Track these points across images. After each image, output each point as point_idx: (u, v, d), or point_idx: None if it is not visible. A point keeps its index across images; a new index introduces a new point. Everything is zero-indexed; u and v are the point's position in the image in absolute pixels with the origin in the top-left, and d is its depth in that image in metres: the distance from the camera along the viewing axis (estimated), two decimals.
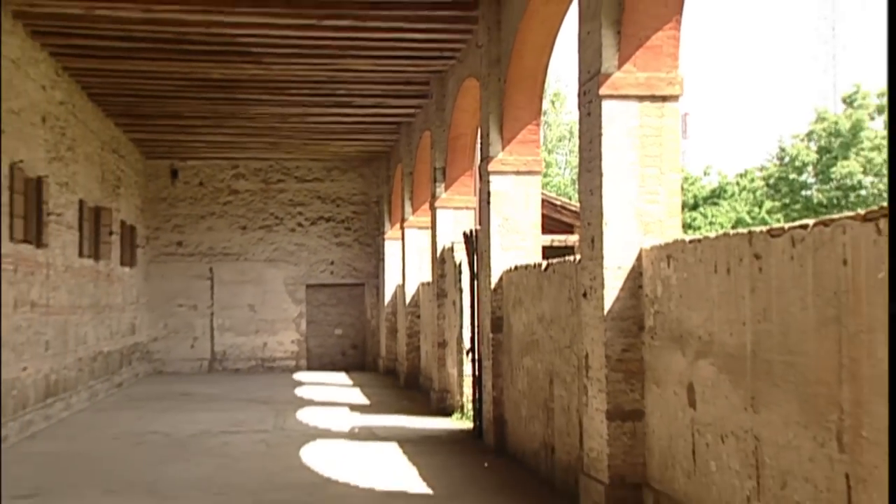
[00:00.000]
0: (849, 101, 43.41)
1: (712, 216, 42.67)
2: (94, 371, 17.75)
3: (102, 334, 18.62)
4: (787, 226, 5.46)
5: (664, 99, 7.77)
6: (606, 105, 7.73)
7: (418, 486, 9.47)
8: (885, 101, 41.37)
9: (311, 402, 17.12)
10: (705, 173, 48.34)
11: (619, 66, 7.73)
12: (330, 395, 18.38)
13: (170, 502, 8.74)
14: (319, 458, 11.11)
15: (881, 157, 40.17)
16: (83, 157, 16.99)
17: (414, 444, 12.04)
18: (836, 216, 4.98)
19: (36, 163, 13.77)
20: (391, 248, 22.92)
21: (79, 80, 16.23)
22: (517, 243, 11.73)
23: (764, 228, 5.73)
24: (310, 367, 25.13)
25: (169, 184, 24.77)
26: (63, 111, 15.49)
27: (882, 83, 43.38)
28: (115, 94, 17.34)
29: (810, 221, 5.22)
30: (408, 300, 20.15)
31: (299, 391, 19.26)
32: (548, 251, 14.79)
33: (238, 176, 25.07)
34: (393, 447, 11.83)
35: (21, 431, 12.79)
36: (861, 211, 4.76)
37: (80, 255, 16.66)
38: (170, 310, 24.77)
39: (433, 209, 16.40)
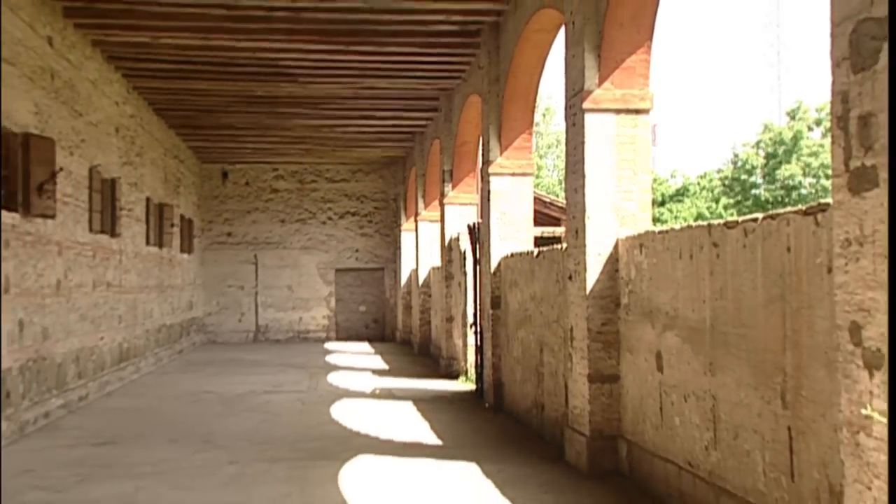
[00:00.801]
0: (791, 115, 43.62)
1: (677, 211, 42.60)
2: (158, 340, 17.82)
3: (165, 310, 18.68)
4: (740, 219, 5.47)
5: (637, 112, 7.77)
6: (588, 117, 7.73)
7: (430, 437, 9.50)
8: (822, 114, 41.43)
9: (339, 367, 17.13)
10: (672, 175, 48.16)
11: (599, 84, 7.73)
12: (355, 362, 18.37)
13: (222, 450, 8.74)
14: (347, 414, 11.12)
15: (818, 162, 40.45)
16: (149, 161, 17.02)
17: (426, 403, 12.06)
18: (781, 211, 4.99)
19: (111, 166, 13.79)
20: (406, 238, 22.90)
21: (146, 97, 16.24)
22: (513, 234, 11.73)
23: (721, 221, 5.74)
24: (338, 338, 25.16)
25: (220, 184, 24.79)
26: (133, 123, 15.50)
27: (820, 100, 43.49)
28: (175, 109, 17.34)
29: (760, 215, 5.22)
30: (420, 282, 20.17)
31: (329, 358, 19.29)
32: (539, 241, 14.79)
33: (278, 177, 25.07)
34: (408, 405, 11.85)
35: (99, 390, 12.86)
36: (802, 207, 4.77)
37: (147, 243, 16.71)
38: (221, 289, 24.82)
39: (442, 205, 16.40)
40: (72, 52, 11.77)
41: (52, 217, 10.54)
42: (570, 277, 8.09)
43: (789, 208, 4.96)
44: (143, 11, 11.26)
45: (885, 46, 3.64)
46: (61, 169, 11.02)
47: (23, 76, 9.88)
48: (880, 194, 3.69)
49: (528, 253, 10.51)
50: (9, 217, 9.35)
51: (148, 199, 16.75)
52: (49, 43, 10.85)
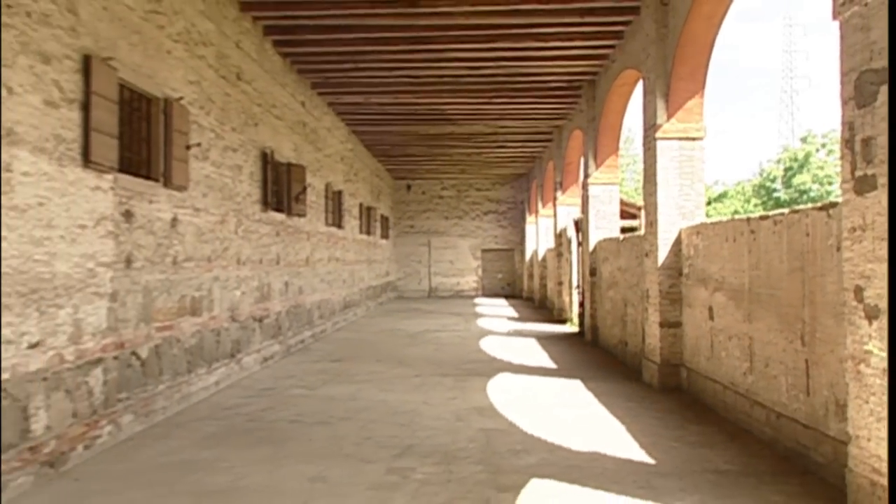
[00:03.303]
0: (803, 140, 41.47)
1: (720, 209, 40.84)
2: (367, 296, 18.38)
3: (371, 276, 19.23)
4: (770, 213, 5.28)
5: (693, 139, 7.54)
6: (659, 144, 7.56)
7: (547, 362, 9.49)
8: (826, 140, 39.06)
9: (484, 315, 17.19)
10: (715, 183, 46.11)
11: (667, 120, 7.54)
12: (495, 311, 18.41)
13: (409, 367, 8.98)
14: (490, 346, 11.18)
15: (823, 173, 39.09)
16: (361, 179, 17.59)
17: (544, 339, 12.02)
18: (801, 207, 4.79)
19: (338, 183, 14.38)
20: (530, 229, 22.80)
21: (360, 137, 16.76)
22: (605, 225, 11.55)
23: (756, 215, 5.55)
24: (484, 295, 25.34)
25: (406, 193, 25.40)
26: (351, 154, 16.08)
27: (824, 129, 41.13)
28: (378, 144, 17.83)
29: (786, 210, 5.03)
30: (539, 258, 20.08)
31: (477, 309, 19.40)
32: (622, 230, 14.47)
33: (443, 188, 25.45)
34: (532, 341, 11.82)
35: (332, 327, 13.44)
36: (818, 204, 4.58)
37: (360, 232, 17.23)
38: (407, 263, 25.47)
39: (555, 206, 16.25)
40: (315, 110, 12.35)
41: (304, 216, 11.10)
42: (647, 255, 7.95)
43: (808, 205, 4.76)
44: (359, 83, 11.73)
45: (883, 89, 3.45)
46: (309, 185, 11.65)
47: (287, 127, 10.49)
48: (878, 195, 3.52)
49: (615, 238, 10.36)
50: (279, 216, 9.98)
51: (361, 204, 17.30)
52: (302, 105, 11.44)
